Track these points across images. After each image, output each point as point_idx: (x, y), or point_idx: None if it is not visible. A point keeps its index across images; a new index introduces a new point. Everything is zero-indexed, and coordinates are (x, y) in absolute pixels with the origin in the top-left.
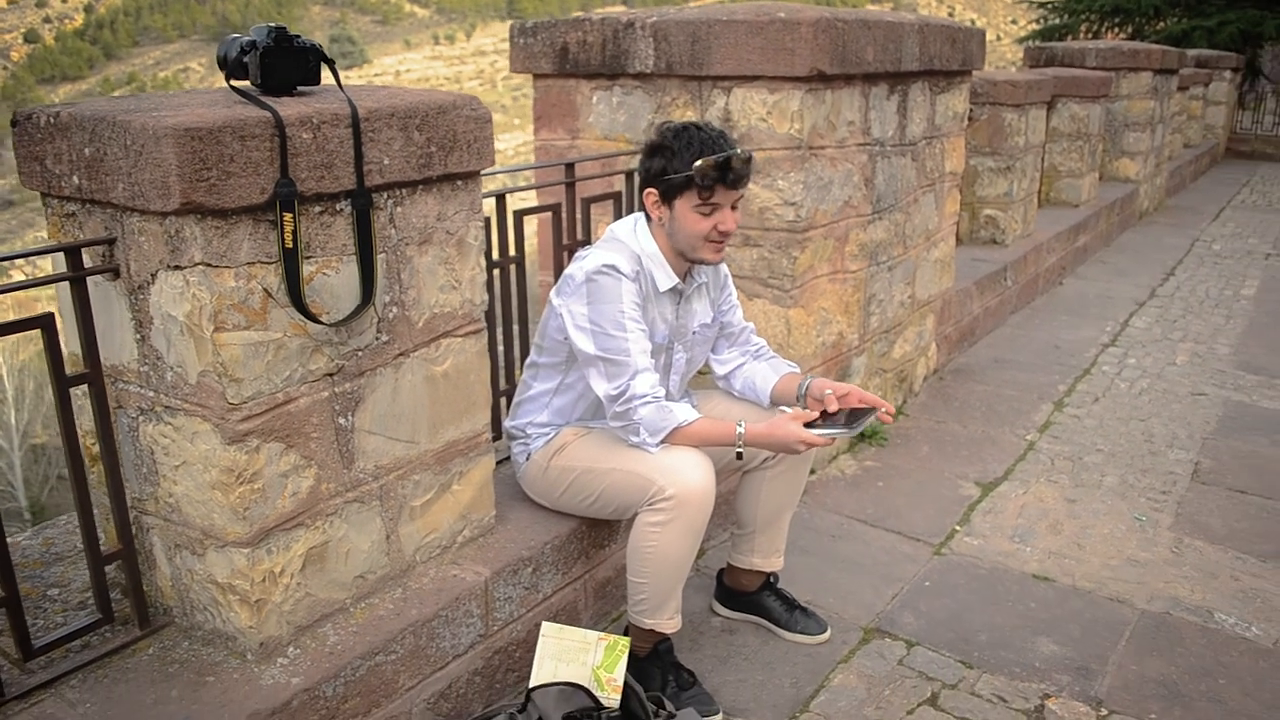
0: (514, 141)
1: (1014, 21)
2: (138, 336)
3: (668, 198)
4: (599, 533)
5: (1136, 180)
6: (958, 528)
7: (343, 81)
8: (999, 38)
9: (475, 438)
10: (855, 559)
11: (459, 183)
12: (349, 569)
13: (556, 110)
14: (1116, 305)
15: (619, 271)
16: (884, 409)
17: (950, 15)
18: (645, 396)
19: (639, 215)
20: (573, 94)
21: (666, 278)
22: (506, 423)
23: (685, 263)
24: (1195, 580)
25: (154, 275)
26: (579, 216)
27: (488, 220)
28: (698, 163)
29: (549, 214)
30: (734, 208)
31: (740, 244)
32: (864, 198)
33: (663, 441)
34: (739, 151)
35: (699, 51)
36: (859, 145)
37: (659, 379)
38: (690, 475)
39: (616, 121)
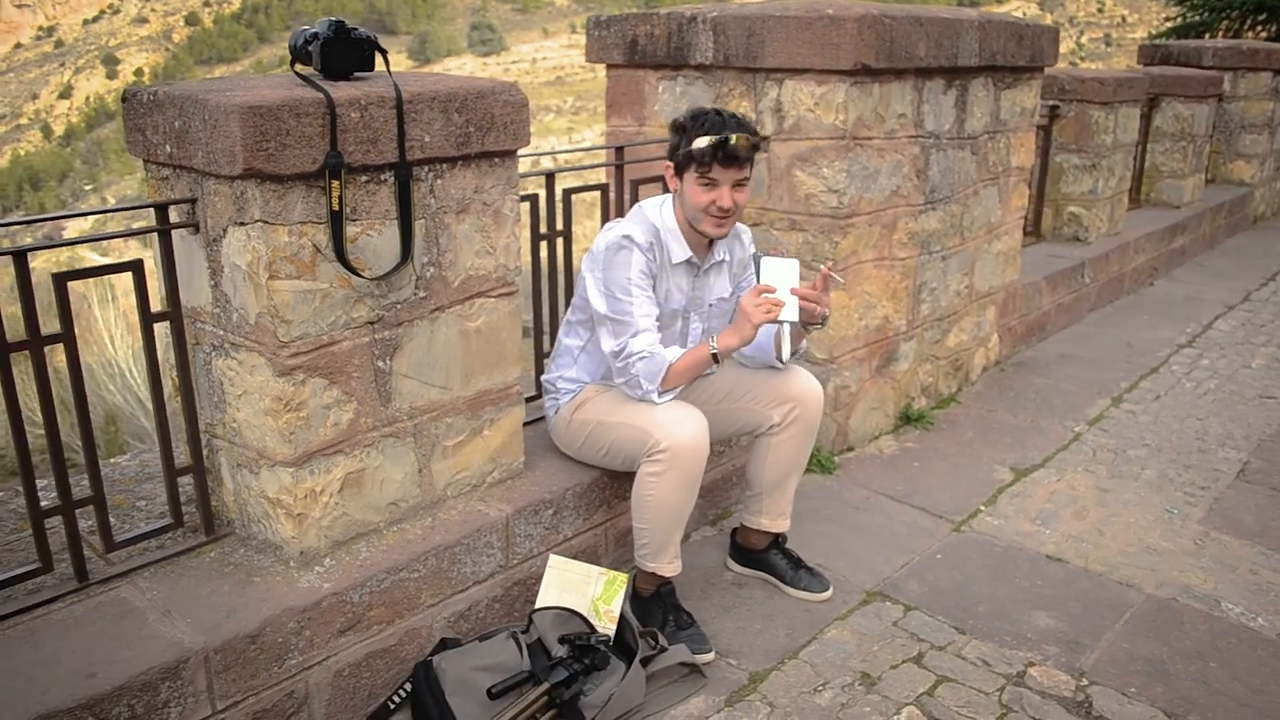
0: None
1: (1168, 19)
2: (212, 283)
3: (679, 171)
4: (621, 484)
5: (1251, 184)
6: (982, 508)
7: (440, 68)
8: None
9: (506, 389)
10: (874, 529)
11: (496, 160)
12: (383, 496)
13: (626, 99)
14: (1204, 307)
15: (633, 242)
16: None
17: (1100, 10)
18: (641, 352)
19: (670, 194)
20: (641, 83)
21: (681, 250)
22: (543, 376)
23: (700, 236)
24: (1211, 571)
25: (225, 230)
26: (627, 197)
27: (535, 197)
28: (700, 138)
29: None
30: (737, 187)
31: (787, 228)
32: (915, 188)
33: (662, 384)
34: (744, 134)
35: (754, 45)
36: (910, 137)
37: (659, 339)
38: (682, 428)
39: (679, 110)
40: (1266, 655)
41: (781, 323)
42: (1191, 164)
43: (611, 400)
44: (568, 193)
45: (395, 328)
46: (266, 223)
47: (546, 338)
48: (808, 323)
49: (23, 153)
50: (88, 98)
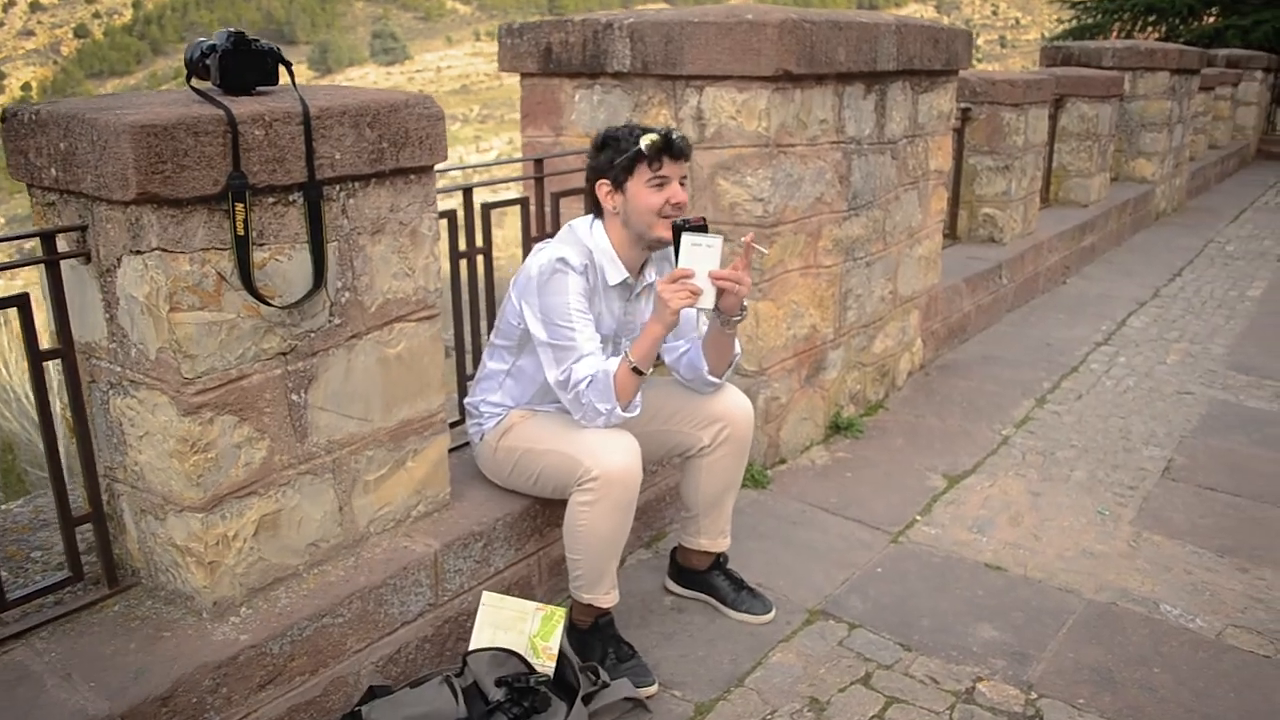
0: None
1: (1060, 21)
2: (107, 316)
3: (619, 182)
4: (553, 511)
5: (1153, 181)
6: (918, 517)
7: (343, 78)
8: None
9: (430, 418)
10: (812, 545)
11: (412, 177)
12: (301, 536)
13: (541, 108)
14: (1117, 305)
15: (568, 265)
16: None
17: (994, 13)
18: (587, 378)
19: (594, 217)
20: (556, 92)
21: (616, 272)
22: (465, 400)
23: (640, 256)
24: (1147, 573)
25: (119, 259)
26: (549, 210)
27: (453, 213)
28: (644, 137)
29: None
30: (682, 184)
31: None
32: (838, 194)
33: (618, 400)
34: (681, 133)
35: (672, 51)
36: (832, 143)
37: (604, 359)
38: (613, 456)
39: (597, 119)
40: (1208, 658)
41: (699, 312)
42: (1097, 163)
43: (539, 426)
44: (486, 208)
45: (310, 358)
46: (165, 251)
47: (470, 358)
48: (727, 312)
49: None
50: None
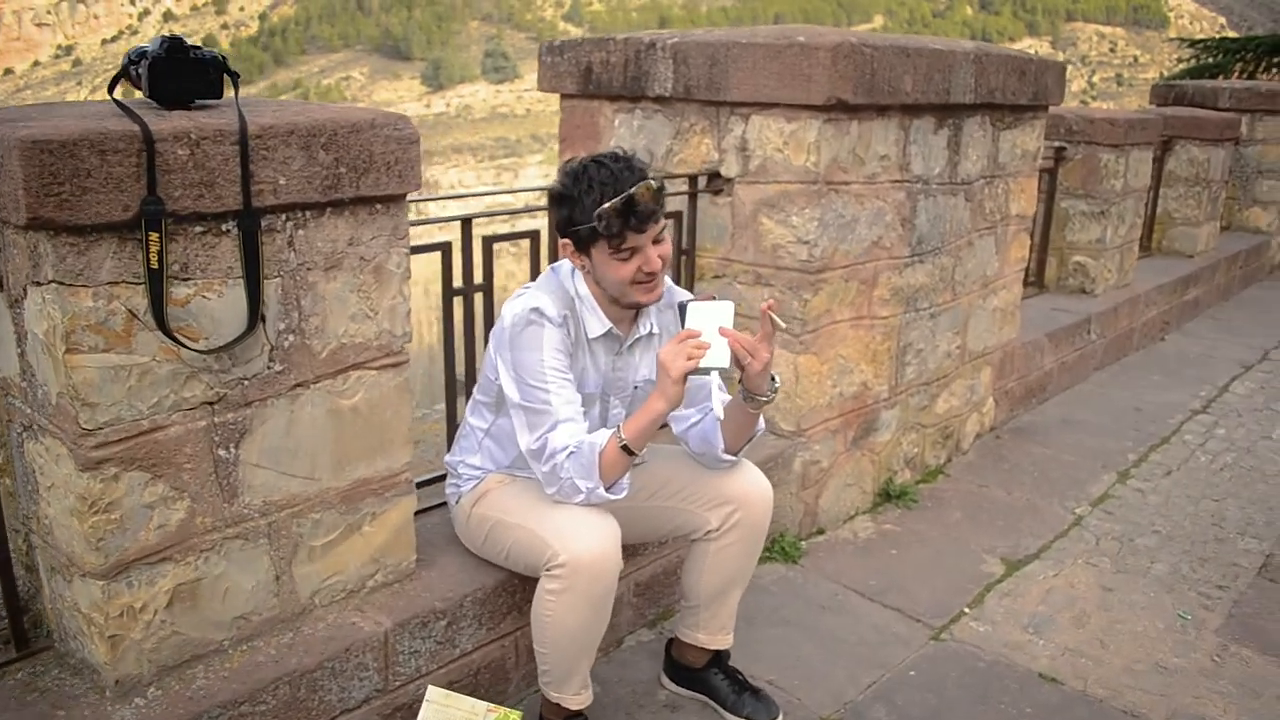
0: None
1: (1180, 60)
2: (19, 350)
3: (582, 248)
4: (535, 587)
5: (1268, 232)
6: (967, 610)
7: (454, 94)
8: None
9: (391, 477)
10: (840, 636)
11: (377, 207)
12: (227, 609)
13: (580, 132)
14: (1219, 367)
15: (544, 316)
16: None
17: (1112, 50)
18: (566, 448)
19: None
20: (596, 115)
21: (598, 324)
22: (446, 458)
23: (624, 311)
24: (1232, 697)
25: (24, 290)
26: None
27: (448, 245)
28: (598, 210)
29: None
30: (658, 241)
31: (752, 281)
32: (900, 238)
33: (601, 479)
34: (647, 182)
35: (717, 75)
36: (894, 182)
37: (586, 427)
38: (583, 540)
39: (637, 145)
40: None
41: (709, 371)
42: (1206, 211)
43: (514, 495)
44: (489, 241)
45: (242, 408)
46: (63, 284)
47: (460, 404)
48: (752, 390)
49: None
50: None
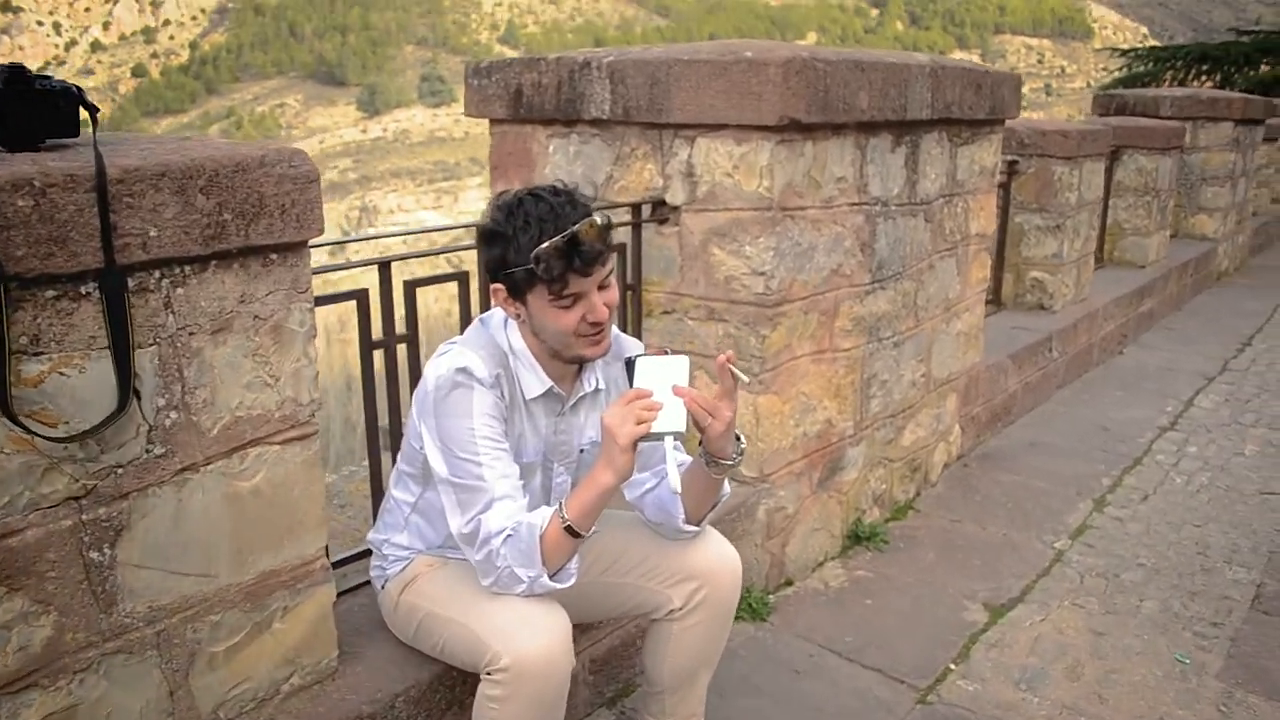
0: None
1: (1107, 70)
2: None
3: (517, 294)
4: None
5: (1214, 238)
6: (953, 666)
7: (390, 119)
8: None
9: (304, 565)
10: (818, 705)
11: (273, 257)
12: None
13: (513, 159)
14: (1181, 380)
15: (472, 377)
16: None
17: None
18: (502, 531)
19: None
20: (529, 141)
21: (537, 382)
22: (370, 535)
23: (565, 367)
24: None
25: None
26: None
27: (364, 294)
28: (536, 250)
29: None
30: (604, 286)
31: (704, 317)
32: (860, 265)
33: (545, 566)
34: (592, 219)
35: (658, 95)
36: (852, 205)
37: (523, 505)
38: (529, 641)
39: (574, 174)
40: None
41: (662, 436)
42: (1156, 220)
43: (446, 583)
44: (411, 285)
45: (117, 502)
46: None
47: (386, 468)
48: (714, 452)
49: None
50: None
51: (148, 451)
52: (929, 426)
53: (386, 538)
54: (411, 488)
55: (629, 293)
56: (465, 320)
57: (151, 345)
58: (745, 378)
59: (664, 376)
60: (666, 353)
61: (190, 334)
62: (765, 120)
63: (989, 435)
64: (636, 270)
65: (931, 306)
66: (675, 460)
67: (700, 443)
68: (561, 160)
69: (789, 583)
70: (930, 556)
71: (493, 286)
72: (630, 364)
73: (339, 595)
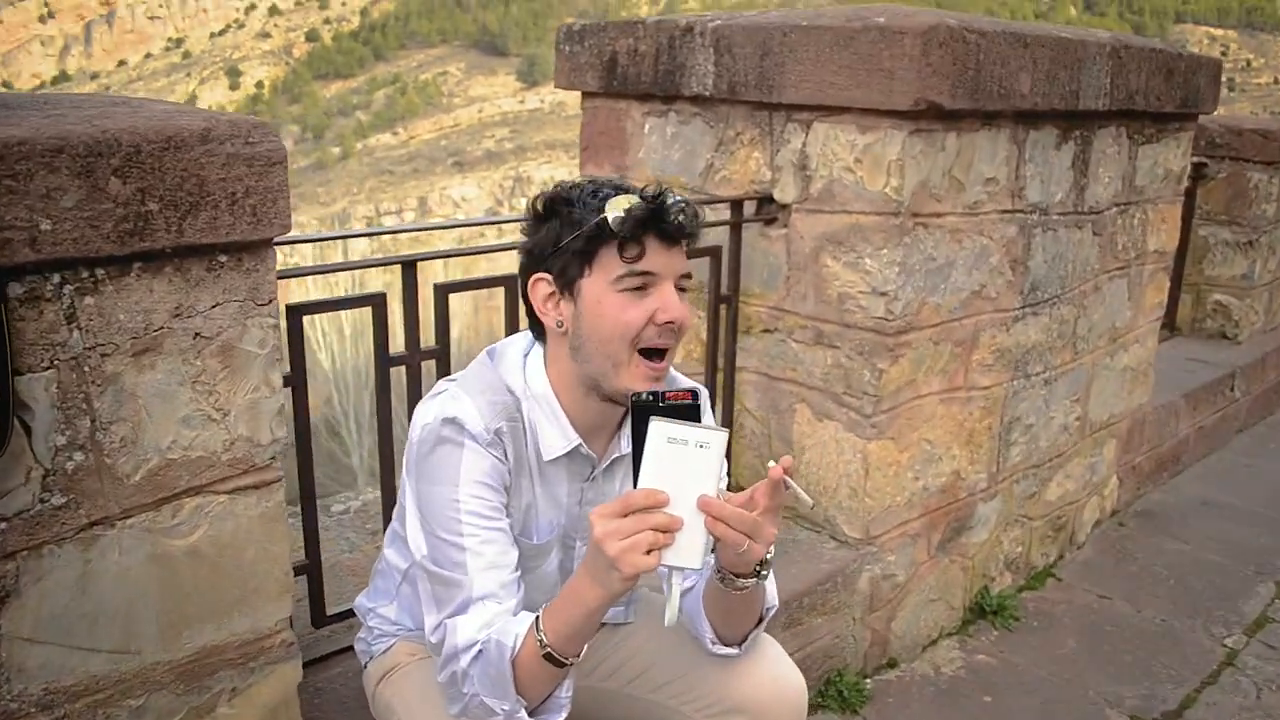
0: None
1: None
2: None
3: (570, 279)
4: None
5: None
6: None
7: (547, 91)
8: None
9: (259, 641)
10: None
11: (221, 259)
12: None
13: (604, 140)
14: None
15: (465, 431)
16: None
17: (1223, 54)
18: (472, 646)
19: (536, 341)
20: (622, 119)
21: (560, 438)
22: (358, 599)
23: (602, 411)
24: None
25: None
26: None
27: (381, 298)
28: (613, 200)
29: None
30: (680, 288)
31: (811, 341)
32: (1008, 286)
33: (520, 696)
34: (673, 194)
35: (769, 69)
36: (1003, 213)
37: (513, 605)
38: None
39: (670, 160)
40: None
41: (671, 571)
42: None
43: (420, 688)
44: (443, 290)
45: (1, 563)
46: None
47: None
48: (732, 569)
49: None
50: (210, 108)
51: (43, 501)
52: (1080, 478)
53: (374, 606)
54: (405, 552)
55: (723, 305)
56: (510, 330)
57: (47, 369)
58: (808, 500)
59: (686, 468)
60: (696, 395)
61: (103, 355)
62: (897, 104)
63: (1151, 487)
64: (734, 278)
65: (1094, 337)
66: (678, 590)
67: (714, 548)
68: (658, 143)
69: (892, 664)
70: (1069, 644)
71: (534, 279)
72: (640, 412)
73: (332, 656)
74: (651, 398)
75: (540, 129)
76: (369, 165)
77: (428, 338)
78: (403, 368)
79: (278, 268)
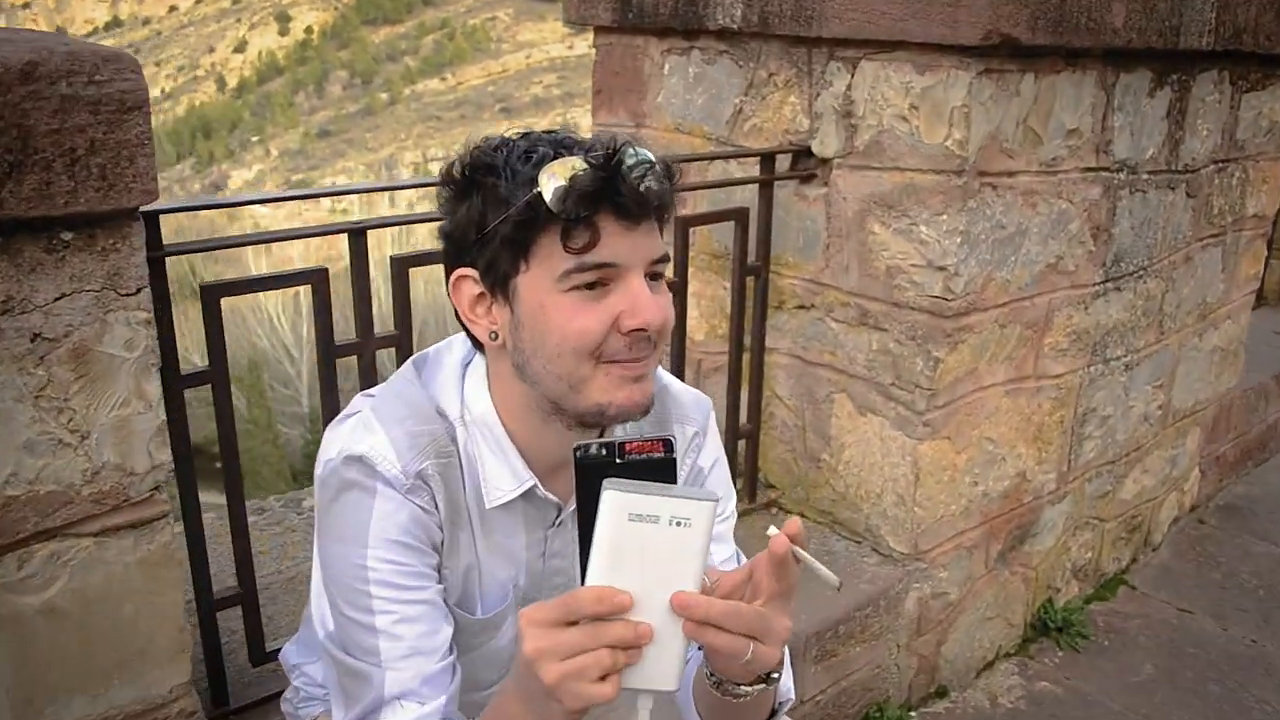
0: None
1: None
2: None
3: (501, 276)
4: None
5: None
6: None
7: None
8: None
9: (149, 713)
10: None
11: (64, 236)
12: None
13: (619, 82)
14: None
15: (376, 474)
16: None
17: None
18: None
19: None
20: (639, 58)
21: (508, 477)
22: (284, 650)
23: (563, 437)
24: None
25: None
26: None
27: (323, 274)
28: (549, 167)
29: None
30: (654, 275)
31: (854, 321)
32: (1089, 257)
33: None
34: (638, 150)
35: None
36: (1086, 171)
37: (436, 708)
38: None
39: (692, 105)
40: None
41: (639, 694)
42: None
43: None
44: (401, 262)
45: None
46: None
47: None
48: (726, 673)
49: (198, 103)
50: (260, 53)
51: None
52: (1159, 473)
53: (300, 663)
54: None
55: (751, 277)
56: None
57: None
58: (834, 579)
59: (658, 550)
60: (668, 444)
61: None
62: (964, 38)
63: (1233, 480)
64: (764, 245)
65: (1182, 314)
66: (647, 714)
67: (701, 647)
68: (678, 85)
69: (941, 693)
70: (1146, 668)
71: (455, 275)
72: (588, 472)
73: (272, 699)
74: (605, 451)
75: (588, 75)
76: (416, 111)
77: (385, 322)
78: (353, 359)
79: (211, 239)
